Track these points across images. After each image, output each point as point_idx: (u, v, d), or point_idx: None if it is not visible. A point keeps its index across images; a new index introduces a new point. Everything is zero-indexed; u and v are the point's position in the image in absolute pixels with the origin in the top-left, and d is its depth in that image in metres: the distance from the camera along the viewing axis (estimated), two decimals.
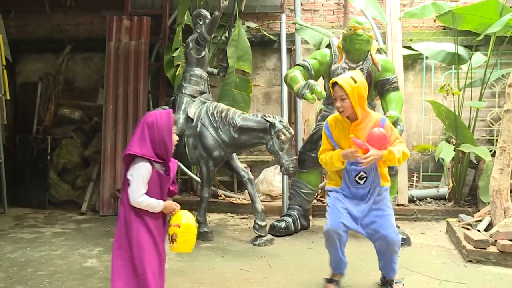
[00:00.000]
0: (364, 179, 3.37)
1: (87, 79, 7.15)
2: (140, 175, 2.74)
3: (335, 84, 3.34)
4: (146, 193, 2.76)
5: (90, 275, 3.93)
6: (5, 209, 5.91)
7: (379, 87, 4.92)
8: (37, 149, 6.35)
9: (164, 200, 2.84)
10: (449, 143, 5.57)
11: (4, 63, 5.97)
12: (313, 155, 4.99)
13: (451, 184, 5.70)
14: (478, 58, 5.64)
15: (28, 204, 6.21)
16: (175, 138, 2.86)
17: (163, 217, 2.92)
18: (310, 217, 5.47)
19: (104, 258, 4.34)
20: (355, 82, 3.27)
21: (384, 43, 6.01)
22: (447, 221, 5.01)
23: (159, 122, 2.77)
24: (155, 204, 2.79)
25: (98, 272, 4.00)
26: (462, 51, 5.64)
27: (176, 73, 5.99)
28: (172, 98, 5.06)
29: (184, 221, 2.84)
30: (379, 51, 5.06)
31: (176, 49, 6.00)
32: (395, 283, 3.55)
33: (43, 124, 6.72)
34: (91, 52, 7.07)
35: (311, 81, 4.68)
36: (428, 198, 5.90)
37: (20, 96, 7.15)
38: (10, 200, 6.05)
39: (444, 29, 6.36)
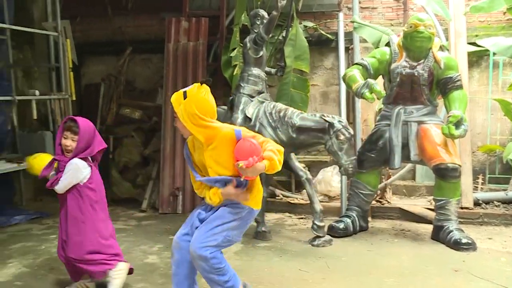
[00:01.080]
0: None
1: (146, 80, 7.33)
2: None
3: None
4: None
5: (151, 271, 4.02)
6: None
7: (442, 86, 4.77)
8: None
9: None
10: None
11: (71, 66, 6.21)
12: (372, 155, 4.90)
13: None
14: None
15: None
16: (63, 141, 3.42)
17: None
18: (369, 218, 5.37)
19: (164, 255, 4.42)
20: (185, 98, 2.78)
21: (447, 39, 5.80)
22: None
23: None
24: None
25: (159, 269, 4.08)
26: None
27: (234, 73, 6.03)
28: (230, 98, 5.08)
29: None
30: (441, 48, 4.90)
31: (234, 49, 6.04)
32: None
33: (105, 123, 6.95)
34: (150, 54, 7.24)
35: (370, 80, 4.60)
36: (495, 202, 5.62)
37: (84, 97, 7.43)
38: None
39: None
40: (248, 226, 3.04)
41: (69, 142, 3.40)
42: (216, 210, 2.93)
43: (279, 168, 2.77)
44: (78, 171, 3.42)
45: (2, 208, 5.94)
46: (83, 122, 3.43)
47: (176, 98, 2.83)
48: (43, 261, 4.30)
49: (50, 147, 5.94)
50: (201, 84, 2.86)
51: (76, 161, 3.41)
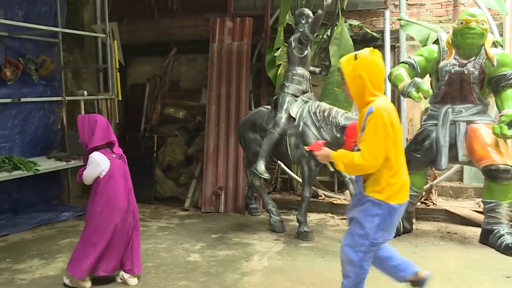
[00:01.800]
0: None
1: (191, 80, 7.41)
2: None
3: None
4: None
5: (193, 269, 4.05)
6: None
7: (494, 84, 4.60)
8: (144, 147, 6.67)
9: None
10: None
11: (118, 67, 6.36)
12: (418, 156, 4.77)
13: None
14: None
15: (135, 199, 6.52)
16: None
17: None
18: (414, 220, 5.24)
19: (206, 253, 4.45)
20: (355, 59, 2.77)
21: (501, 35, 5.56)
22: None
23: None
24: None
25: (201, 267, 4.11)
26: None
27: (278, 73, 6.02)
28: (274, 97, 5.07)
29: None
30: (494, 44, 4.72)
31: (278, 48, 6.03)
32: None
33: (150, 123, 7.07)
34: (195, 54, 7.30)
35: (417, 79, 4.50)
36: None
37: (129, 97, 7.59)
38: None
39: None
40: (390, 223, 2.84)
41: None
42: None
43: (342, 170, 2.81)
44: (96, 165, 3.62)
45: (51, 205, 6.18)
46: (80, 118, 3.77)
47: (346, 59, 2.84)
48: None
49: None
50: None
51: (94, 154, 3.63)
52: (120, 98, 6.40)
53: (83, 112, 5.96)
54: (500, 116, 4.40)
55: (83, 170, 3.73)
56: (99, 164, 3.64)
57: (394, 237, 4.72)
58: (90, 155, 3.65)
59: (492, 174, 4.47)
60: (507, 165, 4.43)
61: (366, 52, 2.79)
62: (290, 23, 5.93)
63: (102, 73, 6.63)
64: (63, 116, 5.92)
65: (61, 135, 6.33)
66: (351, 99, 2.91)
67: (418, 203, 5.41)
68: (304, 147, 3.03)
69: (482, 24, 4.44)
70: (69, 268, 3.70)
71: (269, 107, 5.20)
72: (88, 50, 7.13)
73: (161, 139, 6.84)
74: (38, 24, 5.53)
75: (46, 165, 5.44)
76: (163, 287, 3.71)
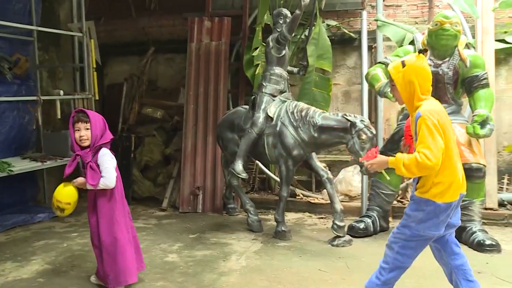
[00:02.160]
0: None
1: (169, 79, 7.38)
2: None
3: None
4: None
5: (171, 270, 4.04)
6: None
7: (467, 84, 4.68)
8: (122, 147, 6.60)
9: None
10: None
11: (95, 66, 6.29)
12: (394, 155, 4.80)
13: None
14: None
15: None
16: (77, 134, 3.42)
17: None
18: (390, 219, 5.30)
19: (184, 253, 4.44)
20: (404, 66, 2.91)
21: (473, 37, 5.68)
22: None
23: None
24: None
25: (179, 267, 4.09)
26: None
27: (256, 73, 6.03)
28: (252, 97, 5.08)
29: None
30: (467, 46, 4.80)
31: (256, 48, 6.03)
32: None
33: (128, 123, 7.02)
34: (173, 53, 7.28)
35: None
36: None
37: (107, 97, 7.52)
38: None
39: None
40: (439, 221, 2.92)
41: (83, 132, 3.42)
42: None
43: (403, 173, 2.84)
44: (112, 157, 3.47)
45: (26, 206, 6.06)
46: (91, 111, 3.54)
47: (394, 66, 2.96)
48: (65, 259, 4.36)
49: None
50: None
51: (104, 149, 3.45)
52: (97, 98, 6.33)
53: (59, 112, 5.88)
54: (473, 116, 4.49)
55: (92, 175, 3.36)
56: (113, 156, 3.49)
57: (370, 235, 4.85)
58: (102, 150, 3.43)
59: (465, 172, 4.53)
60: (480, 163, 4.52)
61: (413, 58, 2.93)
62: (269, 23, 5.95)
63: (79, 72, 6.55)
64: (38, 116, 5.83)
65: (37, 135, 6.22)
66: (402, 103, 3.06)
67: (395, 202, 5.48)
68: (360, 159, 3.09)
69: (456, 26, 4.52)
70: (114, 283, 3.52)
71: (247, 106, 5.21)
72: (64, 49, 7.02)
73: (138, 139, 6.79)
74: (12, 22, 5.39)
75: (20, 165, 5.33)
76: None
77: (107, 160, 3.42)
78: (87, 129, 3.41)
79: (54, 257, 4.39)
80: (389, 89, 4.51)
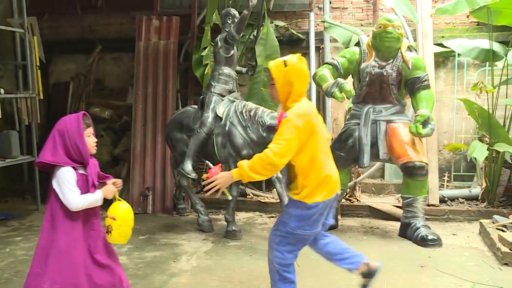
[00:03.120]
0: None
1: (117, 79, 7.26)
2: (66, 180, 2.69)
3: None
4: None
5: None
6: (38, 206, 6.04)
7: (410, 86, 4.86)
8: None
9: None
10: (482, 142, 5.43)
11: (38, 64, 6.10)
12: (342, 154, 4.94)
13: (484, 184, 5.56)
14: None
15: None
16: (92, 139, 2.82)
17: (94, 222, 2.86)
18: (339, 217, 5.43)
19: (133, 255, 4.39)
20: (285, 66, 2.87)
21: (415, 40, 5.91)
22: (480, 222, 4.89)
23: (68, 128, 2.73)
24: (94, 198, 2.76)
25: (128, 269, 4.04)
26: (497, 47, 5.47)
27: (205, 72, 6.02)
28: (201, 97, 5.07)
29: (121, 212, 2.85)
30: (409, 48, 5.00)
31: (205, 48, 6.02)
32: None
33: None
34: (121, 52, 7.17)
35: (340, 80, 4.65)
36: (460, 199, 5.77)
37: (52, 96, 7.32)
38: (42, 197, 6.15)
39: (478, 25, 6.21)
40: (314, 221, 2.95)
41: (93, 138, 2.88)
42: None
43: (254, 177, 2.77)
44: None
45: None
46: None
47: (276, 65, 2.90)
48: (7, 264, 4.20)
49: (16, 147, 5.84)
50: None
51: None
52: (41, 97, 6.15)
53: (0, 112, 5.67)
54: (416, 116, 4.66)
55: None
56: None
57: None
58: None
59: (409, 170, 4.73)
60: (422, 162, 4.71)
61: (295, 59, 2.89)
62: (217, 22, 5.95)
63: (21, 70, 6.33)
64: None
65: None
66: (278, 102, 2.99)
67: (343, 200, 5.61)
68: (203, 176, 2.88)
69: (398, 29, 4.68)
70: None
71: (196, 106, 5.20)
72: (5, 45, 6.76)
73: None
74: None
75: None
76: None
77: None
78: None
79: None
80: (336, 89, 4.61)
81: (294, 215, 2.92)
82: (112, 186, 2.90)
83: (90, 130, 2.84)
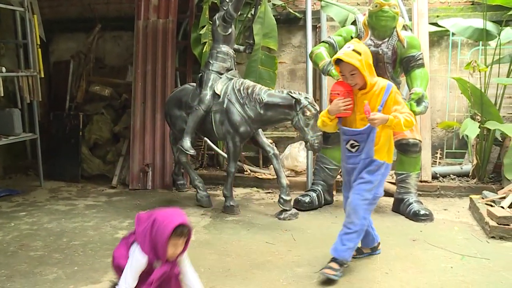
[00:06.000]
0: (356, 147, 3.39)
1: (116, 57, 7.30)
2: (133, 266, 2.52)
3: (339, 61, 3.29)
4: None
5: None
6: (41, 182, 6.18)
7: (405, 64, 4.92)
8: (70, 125, 6.55)
9: None
10: (474, 120, 5.53)
11: (39, 43, 6.15)
12: (338, 131, 5.03)
13: (475, 161, 5.68)
14: (508, 33, 5.46)
15: (62, 178, 6.46)
16: (174, 250, 2.51)
17: None
18: (334, 192, 5.56)
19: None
20: (360, 54, 3.24)
21: (410, 19, 5.96)
22: (470, 198, 5.02)
23: (159, 228, 2.46)
24: None
25: None
26: (490, 26, 5.51)
27: (203, 51, 6.08)
28: (199, 75, 5.14)
29: None
30: (405, 28, 5.04)
31: (203, 26, 6.08)
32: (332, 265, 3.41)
33: (75, 101, 6.93)
34: (120, 31, 7.19)
35: None
36: (451, 175, 5.90)
37: (53, 74, 7.35)
38: (45, 174, 6.31)
39: (472, 4, 6.24)
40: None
41: (180, 248, 2.55)
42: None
43: (402, 129, 3.32)
44: None
45: None
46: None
47: (351, 57, 3.22)
48: (13, 238, 4.33)
49: (18, 125, 5.93)
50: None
51: None
52: (42, 75, 6.21)
53: (2, 90, 5.74)
54: (410, 94, 4.75)
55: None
56: None
57: (315, 208, 5.08)
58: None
59: (403, 147, 4.85)
60: (416, 139, 4.83)
61: (358, 44, 3.32)
62: (215, 1, 5.99)
63: (22, 49, 6.38)
64: None
65: None
66: (360, 88, 3.35)
67: (338, 176, 5.69)
68: (366, 112, 3.23)
69: (394, 8, 4.72)
70: None
71: (194, 84, 5.26)
72: (5, 24, 6.80)
73: (87, 117, 6.73)
74: None
75: None
76: (91, 264, 3.73)
77: None
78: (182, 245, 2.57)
79: (1, 237, 4.35)
80: (332, 68, 4.69)
81: (379, 179, 3.42)
82: None
83: (181, 241, 2.52)
